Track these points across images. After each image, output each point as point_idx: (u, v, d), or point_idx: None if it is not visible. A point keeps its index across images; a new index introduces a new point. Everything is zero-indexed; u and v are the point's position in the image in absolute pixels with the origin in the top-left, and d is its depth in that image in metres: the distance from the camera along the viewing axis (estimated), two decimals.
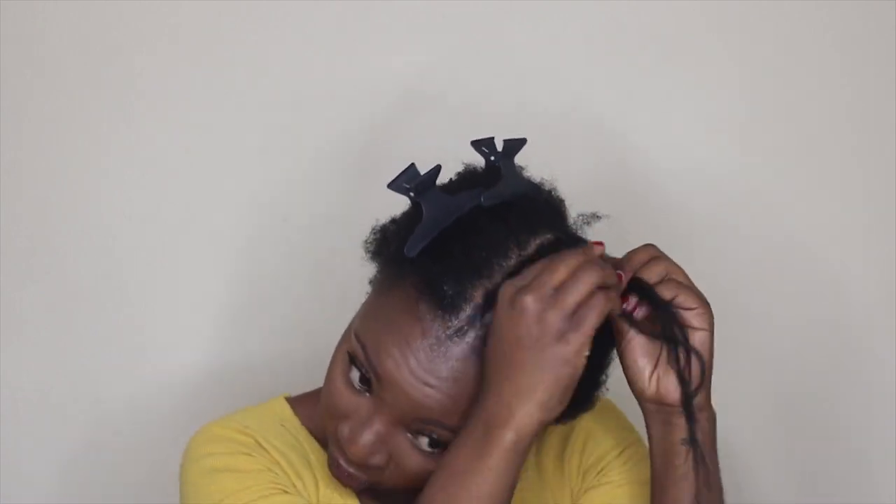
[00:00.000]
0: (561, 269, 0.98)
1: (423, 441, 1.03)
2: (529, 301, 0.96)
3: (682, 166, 1.46)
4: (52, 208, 1.43)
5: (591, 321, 0.97)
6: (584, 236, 1.06)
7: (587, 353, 0.97)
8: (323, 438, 1.12)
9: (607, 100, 1.45)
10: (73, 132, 1.42)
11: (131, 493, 1.46)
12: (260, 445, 1.09)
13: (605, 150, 1.45)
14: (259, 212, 1.45)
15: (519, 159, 1.08)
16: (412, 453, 1.04)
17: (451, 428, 1.02)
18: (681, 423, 1.03)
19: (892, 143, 1.46)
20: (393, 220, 1.07)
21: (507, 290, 0.98)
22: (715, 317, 1.02)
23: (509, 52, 1.44)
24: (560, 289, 0.97)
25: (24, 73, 1.41)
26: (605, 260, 1.02)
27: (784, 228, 1.48)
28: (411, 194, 1.02)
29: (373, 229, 1.09)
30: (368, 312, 1.05)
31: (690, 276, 1.04)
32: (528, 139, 1.09)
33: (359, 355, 1.03)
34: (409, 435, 1.03)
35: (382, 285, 1.05)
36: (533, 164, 1.08)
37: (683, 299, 1.01)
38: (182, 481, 1.09)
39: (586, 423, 1.16)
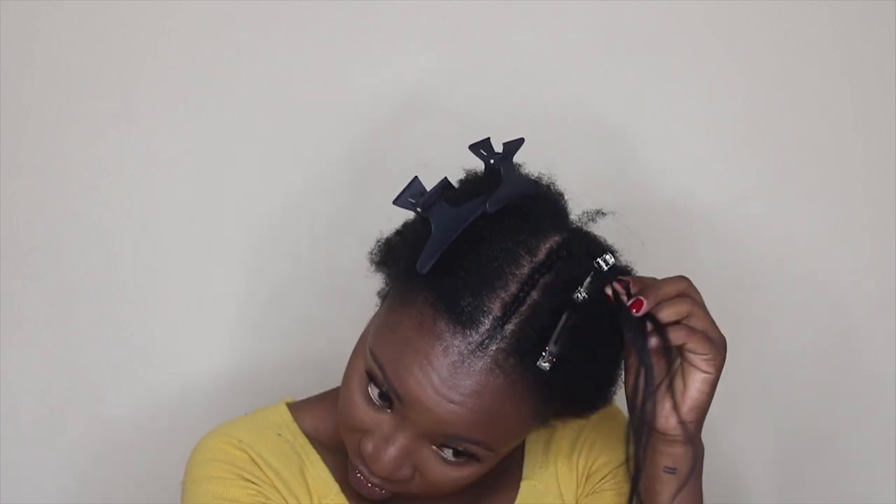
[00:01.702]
0: None
1: (448, 452, 1.03)
2: None
3: (682, 166, 1.46)
4: (52, 208, 1.43)
5: None
6: (590, 230, 1.06)
7: None
8: (325, 444, 1.12)
9: (607, 100, 1.45)
10: (74, 132, 1.42)
11: (131, 493, 1.46)
12: (254, 462, 1.09)
13: (605, 150, 1.45)
14: (260, 212, 1.45)
15: (520, 160, 1.08)
16: (437, 464, 1.04)
17: (475, 441, 1.01)
18: (667, 450, 1.02)
19: (892, 142, 1.46)
20: (398, 233, 1.07)
21: None
22: (712, 315, 1.02)
23: (509, 53, 1.44)
24: None
25: (24, 73, 1.41)
26: (637, 280, 1.02)
27: (784, 227, 1.48)
28: (418, 210, 1.01)
29: (377, 242, 1.08)
30: (383, 329, 1.04)
31: (690, 276, 1.04)
32: (529, 139, 1.09)
33: (377, 374, 1.03)
34: (433, 447, 1.03)
35: (395, 301, 1.04)
36: (534, 164, 1.08)
37: (693, 346, 1.00)
38: (181, 502, 1.10)
39: (594, 426, 1.17)
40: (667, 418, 1.01)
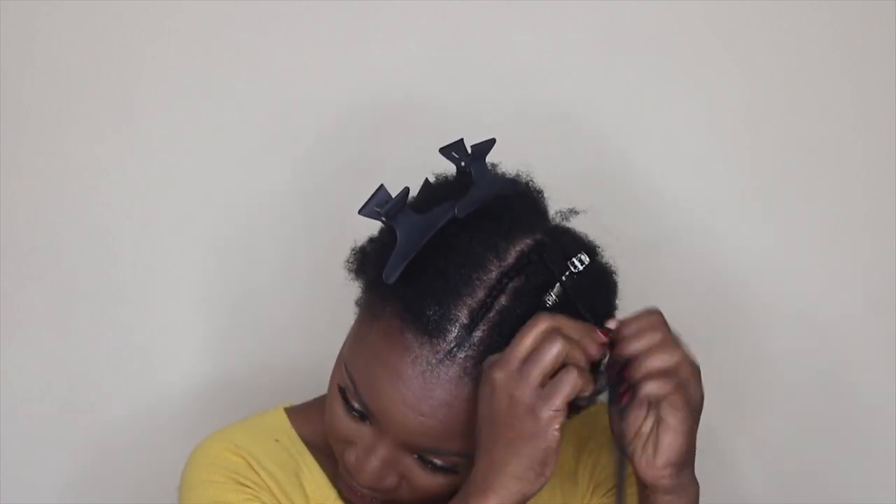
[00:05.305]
0: (527, 340, 0.95)
1: (431, 460, 1.02)
2: (498, 376, 0.94)
3: (681, 165, 1.46)
4: (52, 208, 1.43)
5: (561, 397, 0.93)
6: (569, 227, 1.05)
7: (559, 425, 0.94)
8: (323, 450, 1.12)
9: (607, 100, 1.45)
10: (74, 132, 1.42)
11: (131, 493, 1.46)
12: (251, 467, 1.09)
13: (604, 150, 1.45)
14: (260, 212, 1.45)
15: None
16: (422, 472, 1.03)
17: (452, 452, 1.01)
18: (662, 498, 1.00)
19: (892, 142, 1.46)
20: (371, 240, 1.06)
21: (485, 364, 0.96)
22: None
23: (509, 53, 1.44)
24: (526, 361, 0.94)
25: (24, 73, 1.41)
26: (613, 332, 0.99)
27: (783, 227, 1.48)
28: (383, 219, 0.99)
29: (352, 250, 1.07)
30: (356, 342, 1.03)
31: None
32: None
33: (350, 389, 1.02)
34: (415, 456, 1.03)
35: (366, 313, 1.03)
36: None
37: (672, 400, 0.96)
38: None
39: (603, 436, 1.14)
40: (650, 470, 0.99)
